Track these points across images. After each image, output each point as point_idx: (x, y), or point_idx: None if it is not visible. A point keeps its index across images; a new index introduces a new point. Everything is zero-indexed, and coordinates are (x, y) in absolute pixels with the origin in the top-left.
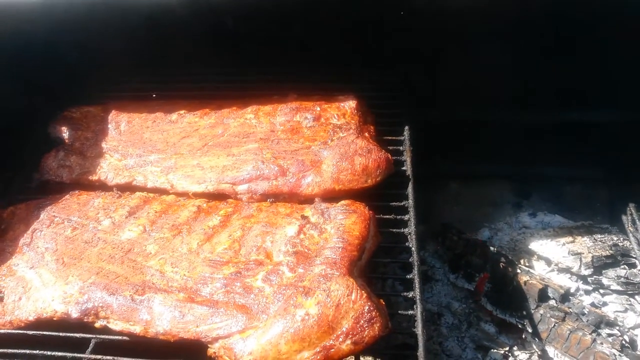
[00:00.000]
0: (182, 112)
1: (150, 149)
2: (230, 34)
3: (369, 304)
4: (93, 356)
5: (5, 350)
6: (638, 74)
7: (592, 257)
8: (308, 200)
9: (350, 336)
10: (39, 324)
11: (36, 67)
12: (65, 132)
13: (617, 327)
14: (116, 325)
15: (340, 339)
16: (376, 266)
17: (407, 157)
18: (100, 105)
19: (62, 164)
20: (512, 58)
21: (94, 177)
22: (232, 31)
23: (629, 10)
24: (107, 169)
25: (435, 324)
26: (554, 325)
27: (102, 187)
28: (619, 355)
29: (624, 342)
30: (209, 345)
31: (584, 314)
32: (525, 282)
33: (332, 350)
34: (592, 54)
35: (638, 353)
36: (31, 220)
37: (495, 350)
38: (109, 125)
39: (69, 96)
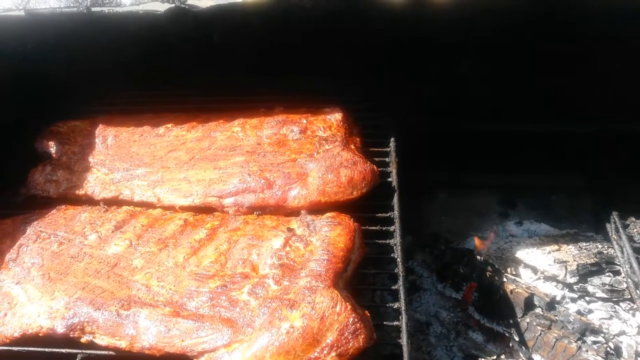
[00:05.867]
0: (169, 125)
1: (137, 162)
2: (216, 48)
3: (353, 315)
4: None
5: None
6: (621, 85)
7: (578, 265)
8: (294, 212)
9: (335, 348)
10: (25, 340)
11: (23, 81)
12: (52, 147)
13: (602, 335)
14: (102, 340)
15: (325, 352)
16: (365, 277)
17: (392, 169)
18: (87, 120)
19: (49, 178)
20: (497, 69)
21: (81, 192)
22: (219, 45)
23: (611, 27)
24: (94, 183)
25: (424, 333)
26: (540, 333)
27: (88, 201)
28: None
29: (608, 349)
30: None
31: (569, 322)
32: (511, 291)
33: None
34: (575, 66)
35: None
36: (17, 235)
37: (483, 359)
38: (96, 140)
39: (56, 111)
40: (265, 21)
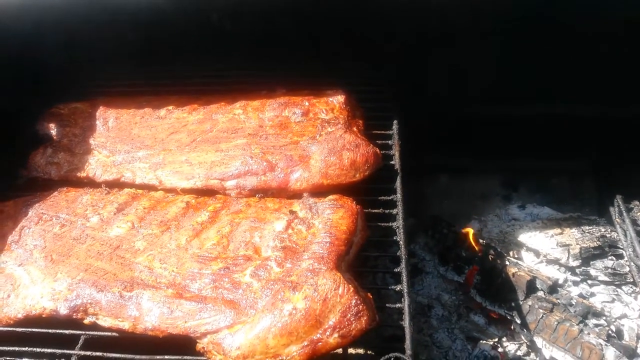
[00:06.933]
0: (170, 107)
1: (139, 145)
2: (216, 30)
3: (355, 297)
4: (82, 352)
5: None
6: (625, 67)
7: (580, 248)
8: (296, 195)
9: (337, 330)
10: (28, 321)
11: (22, 64)
12: (53, 129)
13: (604, 318)
14: (105, 321)
15: (328, 333)
16: (367, 260)
17: (395, 151)
18: (88, 102)
19: (50, 160)
20: (498, 53)
21: (82, 174)
22: (219, 27)
23: (608, 11)
24: (96, 166)
25: (426, 315)
26: (542, 316)
27: (90, 183)
28: (605, 345)
29: (610, 332)
30: (198, 341)
31: (571, 305)
32: (513, 274)
33: (320, 343)
34: (575, 49)
35: (624, 342)
36: (19, 218)
37: (484, 342)
38: (97, 122)
39: (57, 93)
40: (265, 2)
